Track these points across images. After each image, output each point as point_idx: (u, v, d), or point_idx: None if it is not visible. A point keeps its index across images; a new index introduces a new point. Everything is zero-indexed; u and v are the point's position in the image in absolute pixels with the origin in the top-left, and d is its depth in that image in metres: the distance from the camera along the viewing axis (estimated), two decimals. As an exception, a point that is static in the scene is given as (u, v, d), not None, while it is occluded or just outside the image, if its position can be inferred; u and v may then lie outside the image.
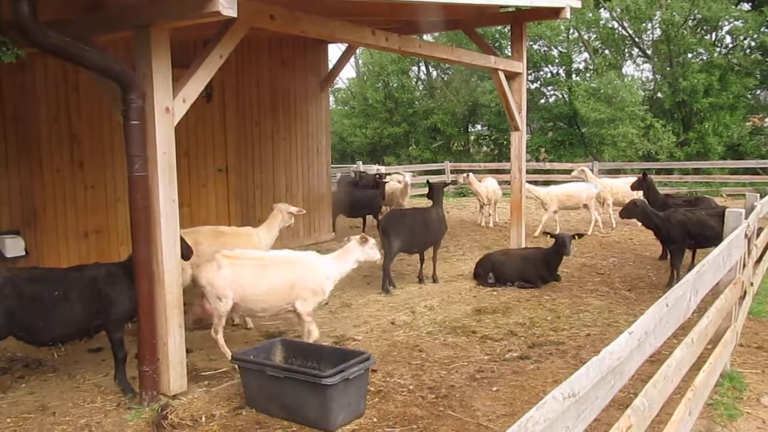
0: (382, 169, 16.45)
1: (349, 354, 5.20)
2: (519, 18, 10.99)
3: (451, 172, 23.29)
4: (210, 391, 5.60)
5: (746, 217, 5.61)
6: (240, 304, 6.10)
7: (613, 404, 4.46)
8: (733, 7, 23.72)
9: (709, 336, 4.58)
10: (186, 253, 6.07)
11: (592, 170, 17.42)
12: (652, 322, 3.04)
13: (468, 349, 6.60)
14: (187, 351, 5.79)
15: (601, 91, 23.60)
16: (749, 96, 24.84)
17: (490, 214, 14.98)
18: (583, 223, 15.18)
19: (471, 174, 15.11)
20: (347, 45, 13.30)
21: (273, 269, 6.18)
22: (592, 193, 13.36)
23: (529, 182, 13.32)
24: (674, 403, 4.02)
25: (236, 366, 5.36)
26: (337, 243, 12.91)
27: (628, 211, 9.19)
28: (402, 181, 14.26)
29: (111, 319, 5.45)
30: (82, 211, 9.20)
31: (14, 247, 8.25)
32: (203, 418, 5.04)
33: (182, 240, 5.92)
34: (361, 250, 6.46)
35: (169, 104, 5.26)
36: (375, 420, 4.98)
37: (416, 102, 30.42)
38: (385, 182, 14.19)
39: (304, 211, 7.89)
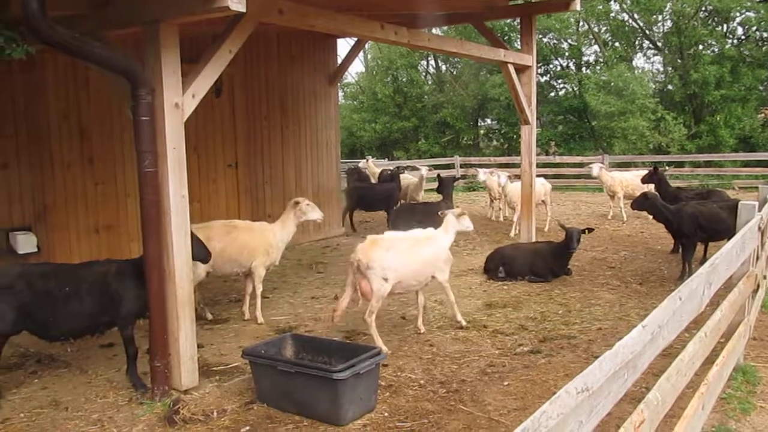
0: (406, 163, 16.26)
1: (359, 349, 5.21)
2: (529, 10, 10.93)
3: (461, 166, 23.24)
4: (221, 386, 5.61)
5: (759, 210, 5.55)
6: (401, 282, 6.46)
7: (625, 398, 4.42)
8: (745, -3, 23.53)
9: (722, 330, 4.54)
10: (205, 256, 6.11)
11: (602, 163, 17.31)
12: (665, 316, 3.01)
13: (479, 344, 6.59)
14: (198, 346, 5.81)
15: (612, 83, 23.48)
16: (761, 88, 24.63)
17: (500, 209, 14.93)
18: (594, 217, 15.13)
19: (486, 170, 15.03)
20: (356, 39, 13.27)
21: (418, 248, 6.64)
22: (548, 189, 13.28)
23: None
24: (687, 397, 3.99)
25: (247, 361, 5.36)
26: (356, 238, 13.01)
27: (639, 203, 9.17)
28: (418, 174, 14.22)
29: (120, 315, 5.48)
30: (92, 207, 9.24)
31: (26, 243, 8.30)
32: (215, 413, 5.05)
33: (201, 242, 6.00)
34: (458, 222, 7.08)
35: (179, 100, 5.26)
36: (386, 414, 4.98)
37: (425, 96, 30.35)
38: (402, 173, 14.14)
39: (319, 216, 7.82)
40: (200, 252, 6.00)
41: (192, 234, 5.78)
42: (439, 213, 7.48)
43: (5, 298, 5.15)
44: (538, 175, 13.18)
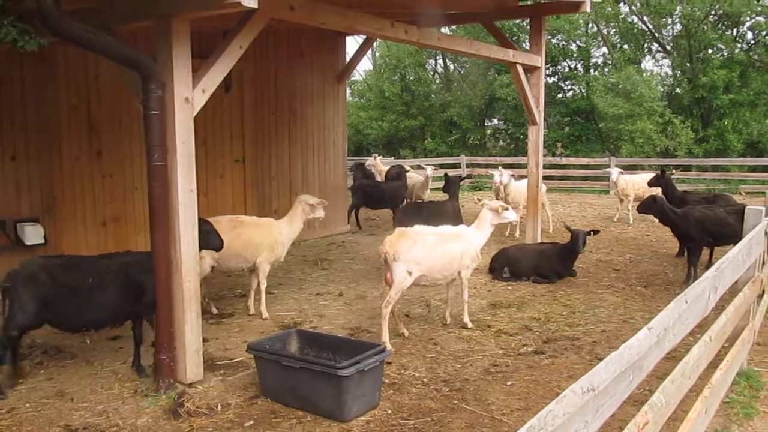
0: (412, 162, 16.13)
1: (364, 346, 5.22)
2: (538, 11, 10.91)
3: (467, 165, 23.23)
4: (226, 380, 5.64)
5: (766, 215, 5.55)
6: (426, 275, 6.57)
7: (628, 401, 4.43)
8: (756, 2, 23.42)
9: (726, 334, 4.55)
10: (219, 244, 6.28)
11: (609, 165, 17.28)
12: (671, 318, 3.03)
13: (483, 343, 6.60)
14: (204, 340, 5.85)
15: (620, 86, 23.43)
16: (770, 93, 24.53)
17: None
18: (599, 219, 15.12)
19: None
20: (365, 37, 13.29)
21: (446, 244, 6.71)
22: (543, 191, 13.17)
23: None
24: (690, 401, 4.01)
25: (252, 356, 5.39)
26: (362, 236, 13.04)
27: (646, 206, 9.16)
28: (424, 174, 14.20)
29: (143, 305, 5.62)
30: (100, 200, 9.29)
31: (34, 234, 8.34)
32: (219, 407, 5.08)
33: (214, 231, 6.15)
34: (495, 216, 7.10)
35: (189, 94, 5.28)
36: (389, 412, 5.00)
37: (433, 95, 30.33)
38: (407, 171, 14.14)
39: (326, 202, 7.87)
40: (215, 240, 6.19)
41: (206, 222, 6.00)
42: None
43: (27, 291, 5.22)
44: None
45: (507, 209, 7.20)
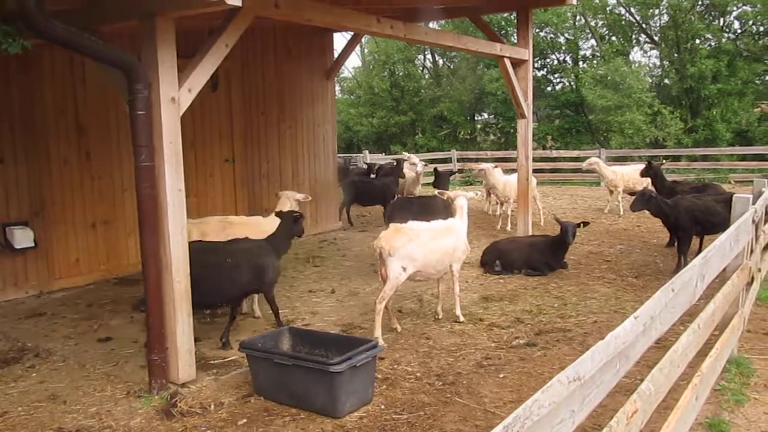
0: (405, 155, 16.05)
1: (356, 342, 5.23)
2: (525, 4, 10.92)
3: (458, 160, 23.25)
4: (219, 379, 5.64)
5: (753, 203, 5.58)
6: (420, 271, 6.62)
7: (620, 390, 4.46)
8: (742, -9, 23.55)
9: (716, 322, 4.57)
10: (302, 232, 7.22)
11: (599, 157, 17.35)
12: (657, 307, 3.04)
13: (475, 337, 6.62)
14: (196, 340, 5.83)
15: (608, 77, 23.49)
16: (758, 82, 24.66)
17: (497, 203, 14.93)
18: (590, 211, 15.16)
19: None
20: (353, 34, 13.26)
21: (440, 238, 6.76)
22: (534, 184, 13.23)
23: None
24: (681, 389, 4.03)
25: (244, 354, 5.39)
26: (353, 232, 13.03)
27: (641, 203, 8.97)
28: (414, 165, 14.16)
29: (264, 282, 6.48)
30: (89, 202, 9.26)
31: (23, 238, 8.32)
32: (212, 406, 5.08)
33: (298, 219, 7.06)
34: (468, 203, 7.30)
35: (175, 94, 5.27)
36: (382, 407, 5.01)
37: (422, 90, 30.33)
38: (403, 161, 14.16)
39: (310, 198, 7.94)
40: (299, 229, 7.12)
41: (293, 211, 7.32)
42: (438, 194, 8.04)
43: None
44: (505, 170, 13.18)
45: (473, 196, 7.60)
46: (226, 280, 6.23)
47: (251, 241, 6.66)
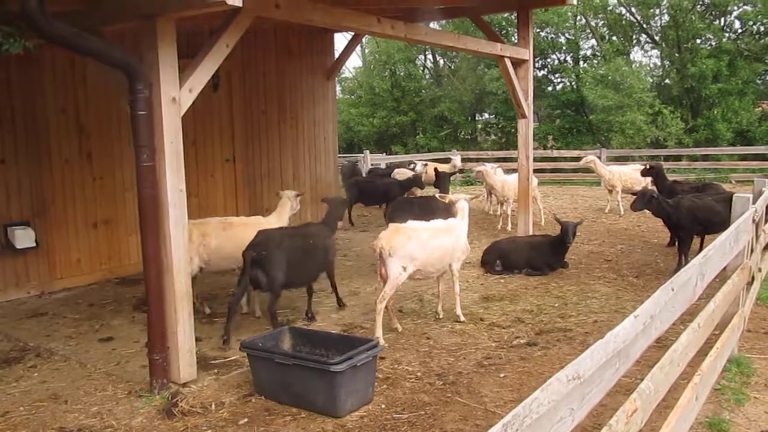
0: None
1: (357, 341, 5.24)
2: (525, 4, 10.92)
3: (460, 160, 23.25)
4: (219, 378, 5.65)
5: (754, 202, 5.59)
6: (420, 270, 6.65)
7: (620, 389, 4.48)
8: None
9: (716, 321, 4.58)
10: (342, 216, 7.94)
11: (599, 157, 17.39)
12: (657, 306, 3.05)
13: (476, 336, 6.63)
14: (197, 339, 5.84)
15: (609, 77, 23.48)
16: (758, 81, 24.68)
17: (498, 203, 14.94)
18: (591, 211, 15.17)
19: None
20: (353, 34, 13.26)
21: (440, 238, 6.80)
22: (535, 184, 13.30)
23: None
24: (681, 388, 4.04)
25: (245, 354, 5.40)
26: (353, 232, 13.03)
27: (642, 203, 8.96)
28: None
29: (329, 263, 7.15)
30: (90, 202, 9.27)
31: (25, 238, 8.33)
32: (213, 406, 5.09)
33: (344, 203, 8.06)
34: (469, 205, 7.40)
35: (176, 94, 5.28)
36: (383, 406, 5.02)
37: (423, 90, 30.34)
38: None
39: (303, 192, 8.16)
40: (342, 214, 7.93)
41: (337, 198, 8.25)
42: (439, 197, 8.14)
43: (280, 255, 6.44)
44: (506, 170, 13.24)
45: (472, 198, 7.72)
46: (312, 262, 6.88)
47: (316, 225, 7.42)
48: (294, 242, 6.68)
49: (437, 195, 8.41)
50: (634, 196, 9.25)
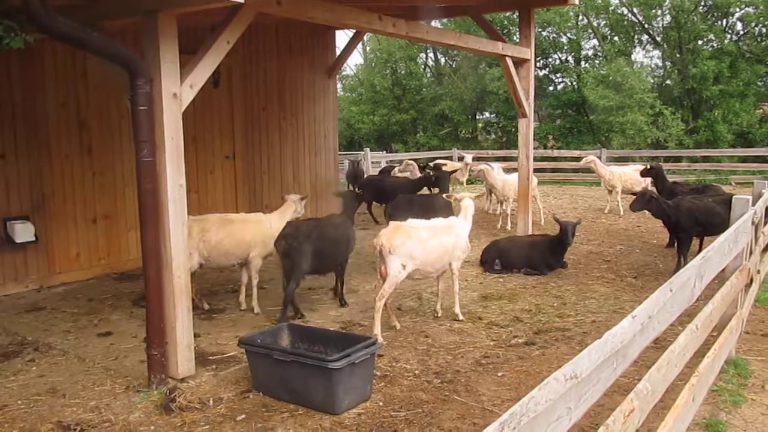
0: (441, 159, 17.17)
1: (355, 339, 5.24)
2: (527, 3, 10.91)
3: (459, 159, 23.26)
4: (217, 374, 5.65)
5: (753, 204, 5.60)
6: (420, 269, 6.66)
7: (618, 390, 4.49)
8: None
9: (714, 322, 4.59)
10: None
11: (600, 157, 17.40)
12: (655, 307, 3.05)
13: (474, 335, 6.63)
14: (195, 336, 5.85)
15: (610, 78, 23.48)
16: (759, 83, 24.68)
17: (497, 202, 14.94)
18: (590, 211, 15.17)
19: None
20: (354, 31, 13.26)
21: (440, 236, 6.80)
22: (534, 184, 13.29)
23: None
24: (678, 389, 4.04)
25: (243, 350, 5.40)
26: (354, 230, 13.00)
27: (641, 203, 8.95)
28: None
29: (348, 253, 7.52)
30: (90, 197, 9.27)
31: (24, 232, 8.33)
32: (211, 401, 5.09)
33: (359, 197, 8.52)
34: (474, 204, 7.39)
35: (177, 90, 5.27)
36: (381, 404, 5.02)
37: (424, 89, 30.35)
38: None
39: (307, 195, 8.19)
40: (357, 205, 8.39)
41: (351, 192, 8.90)
42: (446, 196, 8.20)
43: (309, 245, 6.80)
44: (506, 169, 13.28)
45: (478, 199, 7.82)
46: (337, 250, 7.26)
47: (339, 216, 7.74)
48: (323, 232, 7.06)
49: (444, 195, 8.43)
50: (634, 197, 9.24)
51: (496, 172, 13.11)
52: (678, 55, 24.40)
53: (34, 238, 8.47)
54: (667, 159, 21.80)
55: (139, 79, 5.10)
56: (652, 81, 24.93)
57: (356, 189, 13.53)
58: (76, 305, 7.95)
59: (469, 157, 16.16)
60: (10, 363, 6.03)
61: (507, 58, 10.43)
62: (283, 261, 6.89)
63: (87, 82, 9.09)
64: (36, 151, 8.63)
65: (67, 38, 4.89)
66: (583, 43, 27.20)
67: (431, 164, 15.28)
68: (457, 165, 15.87)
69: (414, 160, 17.75)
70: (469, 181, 22.00)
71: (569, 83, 26.93)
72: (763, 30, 24.21)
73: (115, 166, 9.51)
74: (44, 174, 8.73)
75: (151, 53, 5.18)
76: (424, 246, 6.57)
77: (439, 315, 7.19)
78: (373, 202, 13.72)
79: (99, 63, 5.49)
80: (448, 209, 9.59)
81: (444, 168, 14.33)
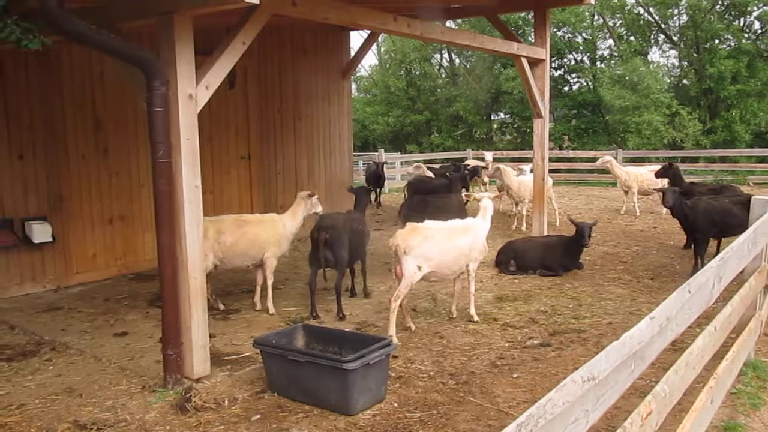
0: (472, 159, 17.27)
1: (370, 339, 5.24)
2: (542, 4, 10.87)
3: (480, 159, 23.24)
4: (233, 375, 5.66)
5: (772, 205, 5.52)
6: (435, 271, 6.62)
7: (635, 392, 4.45)
8: (763, -9, 23.32)
9: (732, 324, 4.54)
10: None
11: (615, 158, 17.29)
12: (674, 308, 3.02)
13: (489, 336, 6.60)
14: (210, 336, 5.87)
15: (626, 78, 23.35)
16: (778, 83, 24.40)
17: (512, 203, 14.88)
18: (606, 212, 15.08)
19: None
20: (369, 32, 13.27)
21: (457, 238, 6.75)
22: (550, 185, 13.23)
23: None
24: (696, 391, 4.00)
25: (258, 351, 5.41)
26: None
27: (672, 197, 8.80)
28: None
29: (365, 247, 7.82)
30: (107, 198, 9.33)
31: (42, 232, 8.40)
32: (226, 402, 5.10)
33: (369, 192, 8.75)
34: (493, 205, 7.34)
35: (192, 91, 5.29)
36: (395, 405, 5.01)
37: (438, 90, 30.34)
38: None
39: (314, 192, 8.16)
40: (369, 200, 8.59)
41: (363, 188, 8.96)
42: (465, 196, 8.36)
43: (346, 237, 7.11)
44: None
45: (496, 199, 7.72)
46: (359, 244, 7.51)
47: (356, 212, 7.95)
48: (352, 225, 7.36)
49: (464, 194, 8.44)
50: (657, 194, 9.06)
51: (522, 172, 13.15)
52: (695, 55, 24.22)
53: (51, 239, 8.54)
54: (684, 159, 21.62)
55: (155, 81, 5.12)
56: (668, 81, 24.78)
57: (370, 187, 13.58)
58: (93, 305, 8.01)
59: (489, 155, 16.22)
60: (27, 362, 6.08)
61: (522, 59, 10.39)
62: (318, 251, 7.01)
63: (103, 83, 9.16)
64: (53, 152, 8.70)
65: (84, 40, 4.92)
66: (598, 43, 27.10)
67: (465, 163, 15.40)
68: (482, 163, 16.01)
69: (428, 161, 17.79)
70: (484, 182, 22.01)
71: (584, 83, 26.81)
72: (781, 29, 24.00)
73: (131, 167, 9.57)
74: (61, 175, 8.80)
75: (167, 55, 5.20)
76: (440, 247, 6.54)
77: (454, 316, 7.17)
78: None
79: (115, 64, 5.52)
80: (461, 210, 9.59)
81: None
